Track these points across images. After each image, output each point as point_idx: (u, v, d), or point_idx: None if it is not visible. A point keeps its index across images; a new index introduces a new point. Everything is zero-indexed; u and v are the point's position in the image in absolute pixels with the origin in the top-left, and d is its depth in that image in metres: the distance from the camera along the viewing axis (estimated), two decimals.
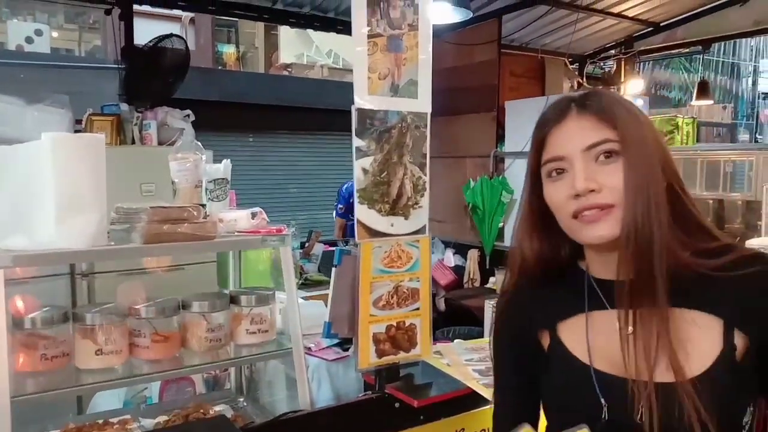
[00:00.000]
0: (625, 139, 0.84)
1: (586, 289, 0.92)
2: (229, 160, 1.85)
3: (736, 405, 0.81)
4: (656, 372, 0.80)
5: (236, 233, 1.65)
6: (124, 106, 3.42)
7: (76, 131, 3.30)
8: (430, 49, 1.62)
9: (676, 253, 0.83)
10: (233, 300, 1.65)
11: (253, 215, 1.72)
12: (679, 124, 5.51)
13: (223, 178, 1.84)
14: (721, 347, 0.81)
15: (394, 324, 1.60)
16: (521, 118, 4.16)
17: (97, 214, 1.42)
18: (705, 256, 0.84)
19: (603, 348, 0.88)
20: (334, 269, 1.55)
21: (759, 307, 0.82)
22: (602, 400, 0.84)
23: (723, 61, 13.14)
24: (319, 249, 4.55)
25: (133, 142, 3.33)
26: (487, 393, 1.49)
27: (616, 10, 4.98)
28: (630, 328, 0.83)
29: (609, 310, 0.88)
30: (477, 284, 4.45)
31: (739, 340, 0.81)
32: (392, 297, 1.59)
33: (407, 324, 1.62)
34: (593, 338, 0.89)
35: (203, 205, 1.73)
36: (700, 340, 0.82)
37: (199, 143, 1.80)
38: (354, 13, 1.48)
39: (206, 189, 1.82)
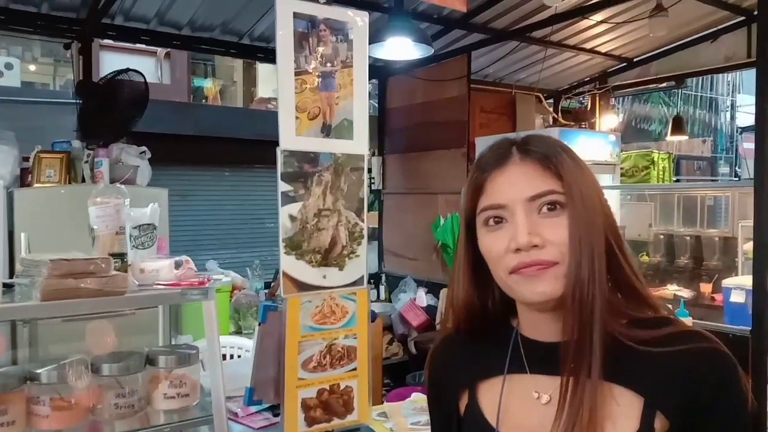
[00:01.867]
0: (571, 191, 0.78)
1: (511, 349, 0.86)
2: (156, 204, 1.71)
3: None
4: None
5: (155, 285, 1.50)
6: (76, 143, 3.28)
7: (23, 169, 3.17)
8: (367, 86, 1.50)
9: (610, 321, 0.77)
10: (150, 360, 1.50)
11: (177, 265, 1.57)
12: (655, 159, 5.48)
13: (150, 224, 1.70)
14: (637, 428, 0.74)
15: (327, 387, 1.44)
16: None
17: None
18: (639, 326, 0.78)
19: (515, 413, 0.83)
20: (257, 328, 1.40)
21: (684, 389, 0.74)
22: None
23: (701, 96, 13.32)
24: None
25: (84, 181, 3.19)
26: None
27: (588, 45, 4.97)
28: (547, 396, 0.80)
29: (527, 375, 0.83)
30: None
31: (659, 422, 0.74)
32: (324, 357, 1.44)
33: (342, 387, 1.47)
34: (507, 402, 0.84)
35: (123, 255, 1.59)
36: (618, 417, 0.75)
37: (121, 186, 1.66)
38: (279, 49, 1.36)
39: (130, 236, 1.68)
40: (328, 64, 1.43)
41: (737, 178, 11.79)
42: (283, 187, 1.38)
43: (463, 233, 0.88)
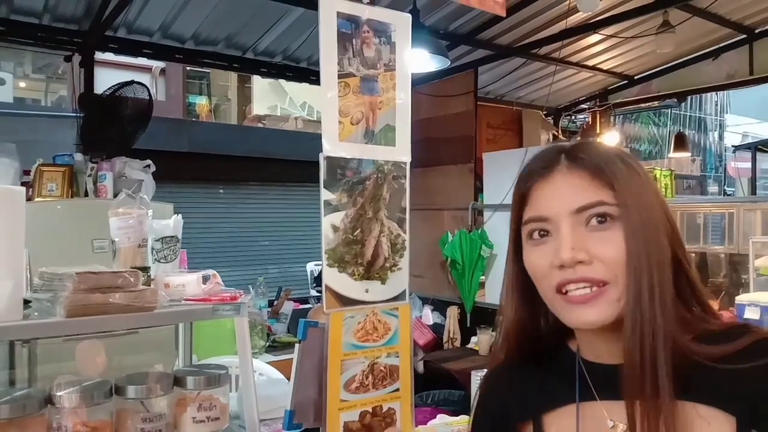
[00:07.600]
0: (625, 202, 0.71)
1: (578, 374, 0.80)
2: (179, 215, 1.62)
3: None
4: None
5: (183, 301, 1.41)
6: (78, 156, 3.18)
7: (24, 183, 3.06)
8: (410, 91, 1.44)
9: (677, 338, 0.71)
10: (177, 381, 1.39)
11: (205, 279, 1.48)
12: (657, 176, 5.47)
13: (173, 236, 1.61)
14: None
15: (370, 410, 1.35)
16: (500, 170, 4.04)
17: (9, 282, 1.18)
18: (710, 340, 0.72)
19: None
20: (297, 345, 1.31)
21: None
22: None
23: (690, 116, 13.47)
24: (288, 307, 4.27)
25: (86, 195, 3.08)
26: None
27: (590, 63, 4.98)
28: (623, 426, 0.73)
29: (597, 402, 0.77)
30: (457, 344, 4.19)
31: None
32: (367, 377, 1.34)
33: (385, 409, 1.37)
34: None
35: (146, 268, 1.50)
36: None
37: (144, 197, 1.58)
38: (322, 50, 1.29)
39: (152, 249, 1.59)
40: (372, 68, 1.36)
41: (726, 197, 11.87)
42: (325, 195, 1.30)
43: (510, 247, 0.82)
